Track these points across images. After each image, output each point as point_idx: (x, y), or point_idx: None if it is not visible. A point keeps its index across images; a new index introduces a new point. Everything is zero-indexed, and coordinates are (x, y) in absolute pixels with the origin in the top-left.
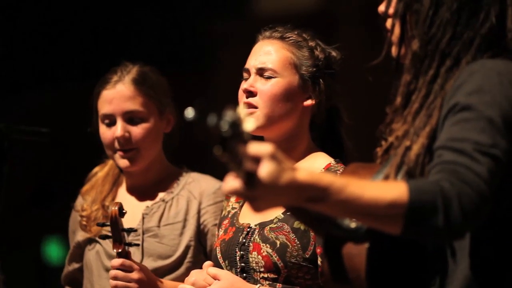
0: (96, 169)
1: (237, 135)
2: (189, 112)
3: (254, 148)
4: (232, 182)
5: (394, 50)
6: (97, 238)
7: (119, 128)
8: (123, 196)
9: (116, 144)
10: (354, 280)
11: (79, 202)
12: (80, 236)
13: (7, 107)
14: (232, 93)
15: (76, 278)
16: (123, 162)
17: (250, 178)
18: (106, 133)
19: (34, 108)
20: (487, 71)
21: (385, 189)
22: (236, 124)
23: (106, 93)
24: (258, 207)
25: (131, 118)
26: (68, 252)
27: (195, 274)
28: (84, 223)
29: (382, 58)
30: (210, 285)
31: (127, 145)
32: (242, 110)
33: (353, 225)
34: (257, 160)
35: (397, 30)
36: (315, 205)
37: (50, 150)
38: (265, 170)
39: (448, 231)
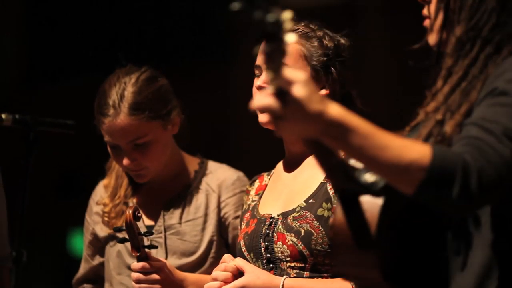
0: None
1: (279, 38)
2: (236, 5)
3: (290, 71)
4: (264, 97)
5: (434, 37)
6: (116, 234)
7: (125, 158)
8: (142, 191)
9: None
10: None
11: (99, 193)
12: (101, 231)
13: (33, 99)
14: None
15: (99, 276)
16: (135, 178)
17: (282, 95)
18: (113, 155)
19: (59, 100)
20: None
21: (410, 146)
22: (280, 25)
23: (106, 126)
24: (282, 128)
25: (135, 144)
26: (85, 247)
27: (215, 269)
28: (106, 219)
29: (423, 43)
30: (231, 273)
31: (136, 168)
32: (287, 15)
33: (371, 179)
34: (290, 84)
35: (440, 16)
36: (337, 142)
37: (75, 142)
38: (298, 90)
39: (460, 204)
